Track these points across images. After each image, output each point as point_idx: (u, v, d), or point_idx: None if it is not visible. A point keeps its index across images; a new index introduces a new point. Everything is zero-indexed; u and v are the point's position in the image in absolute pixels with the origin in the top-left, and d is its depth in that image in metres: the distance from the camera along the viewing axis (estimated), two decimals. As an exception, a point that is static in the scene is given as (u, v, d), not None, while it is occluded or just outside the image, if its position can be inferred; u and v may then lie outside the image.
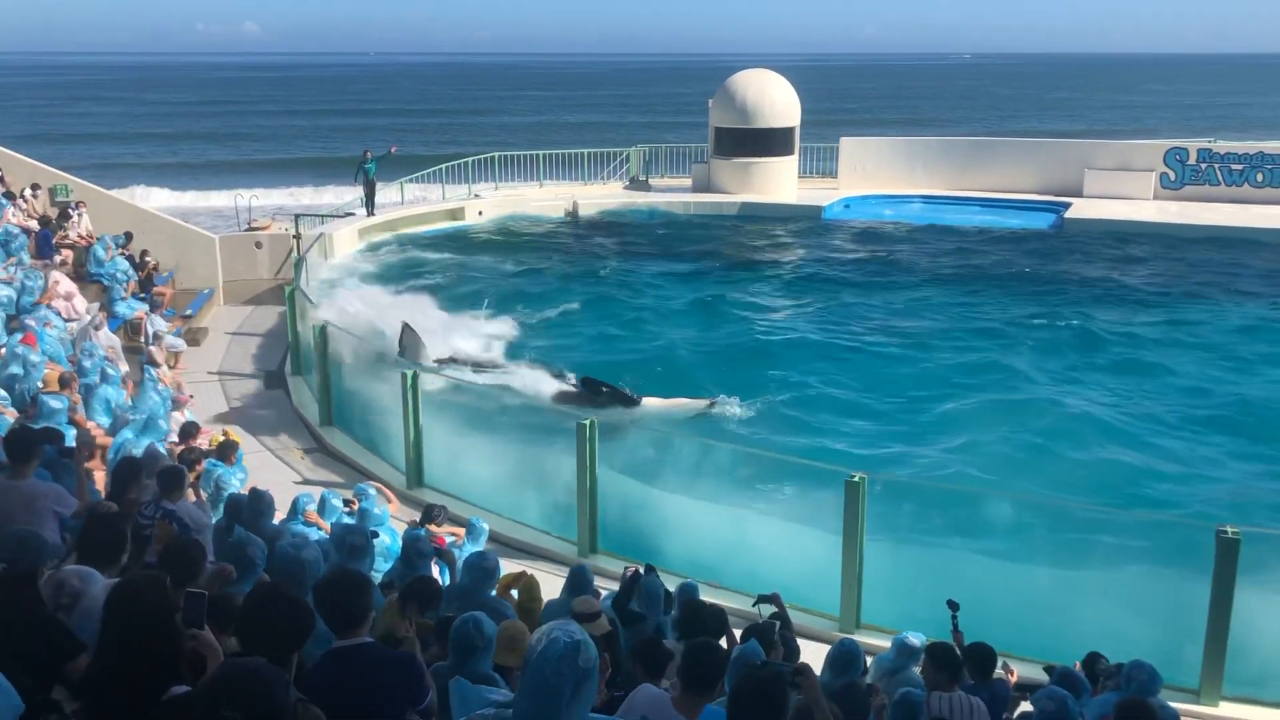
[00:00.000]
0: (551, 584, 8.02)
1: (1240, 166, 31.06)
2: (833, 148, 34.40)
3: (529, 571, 7.98)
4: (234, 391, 16.78)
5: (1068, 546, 10.61)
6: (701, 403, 15.70)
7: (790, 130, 32.51)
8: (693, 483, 11.92)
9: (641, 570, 7.31)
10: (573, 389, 15.61)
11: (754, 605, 7.35)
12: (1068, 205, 30.21)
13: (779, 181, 32.33)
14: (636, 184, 33.67)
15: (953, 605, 7.13)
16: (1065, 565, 10.21)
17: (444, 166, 30.68)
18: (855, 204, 32.01)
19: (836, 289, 23.06)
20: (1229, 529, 8.19)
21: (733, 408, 15.53)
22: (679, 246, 27.41)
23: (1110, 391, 16.52)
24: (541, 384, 15.74)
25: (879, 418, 15.32)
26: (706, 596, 7.91)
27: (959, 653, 6.28)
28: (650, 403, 15.50)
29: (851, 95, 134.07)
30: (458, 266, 25.00)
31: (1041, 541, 10.79)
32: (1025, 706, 6.12)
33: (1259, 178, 30.87)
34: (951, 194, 32.45)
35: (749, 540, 10.55)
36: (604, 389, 15.40)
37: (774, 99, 32.29)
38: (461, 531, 9.69)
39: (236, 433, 12.24)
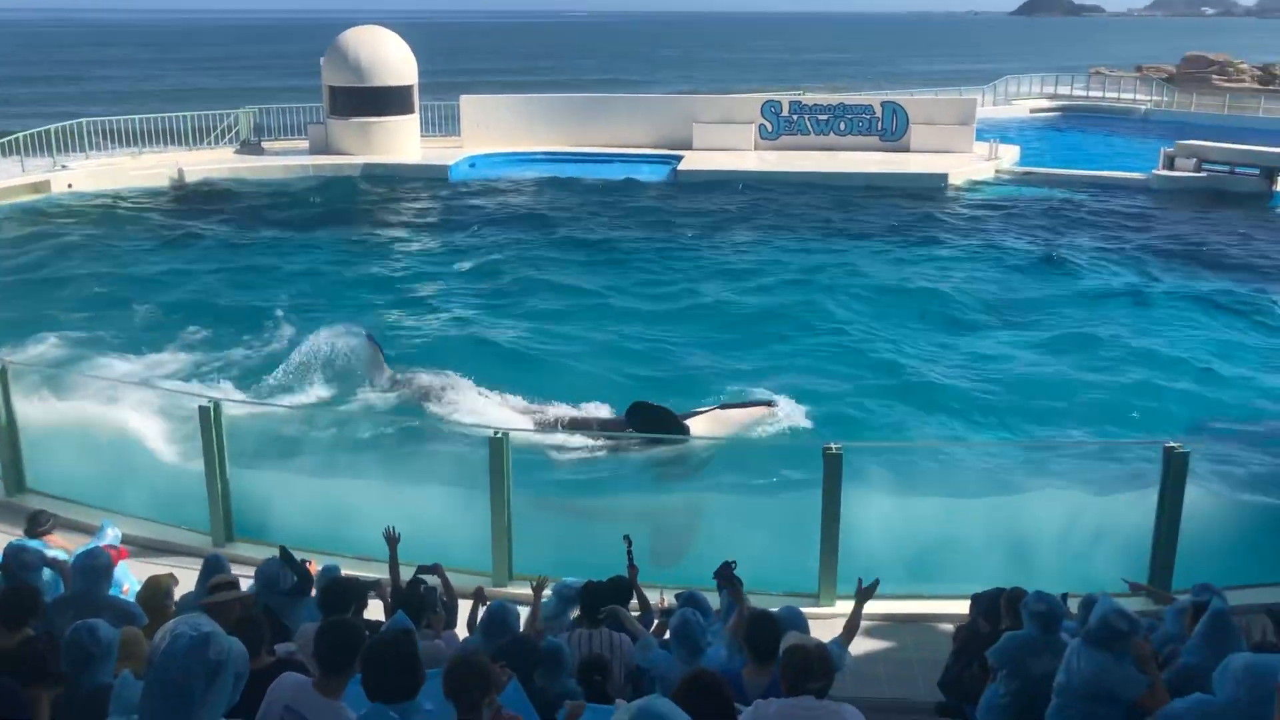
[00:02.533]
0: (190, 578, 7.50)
1: (826, 117, 34.17)
2: (453, 106, 34.20)
3: (168, 570, 7.42)
4: None
5: (700, 479, 11.33)
6: (760, 410, 13.37)
7: (408, 89, 31.98)
8: (331, 458, 11.55)
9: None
10: (609, 425, 12.96)
11: (415, 575, 7.25)
12: (680, 158, 31.90)
13: (401, 141, 31.78)
14: (249, 148, 31.85)
15: (627, 540, 7.39)
16: (698, 495, 10.90)
17: (19, 136, 27.51)
18: (480, 162, 32.08)
19: (469, 247, 23.07)
20: (833, 446, 9.01)
21: (791, 406, 13.59)
22: (300, 213, 26.26)
23: (726, 325, 17.73)
24: (520, 417, 13.17)
25: (518, 370, 15.47)
26: (364, 572, 7.76)
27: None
28: (698, 423, 12.80)
29: (469, 54, 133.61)
30: (44, 244, 22.60)
31: (678, 477, 11.45)
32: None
33: (842, 127, 34.08)
34: (573, 150, 33.28)
35: (399, 509, 10.37)
36: (658, 414, 12.45)
37: (388, 56, 31.60)
38: (70, 544, 8.79)
39: None
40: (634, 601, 7.13)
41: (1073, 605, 6.51)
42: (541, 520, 10.28)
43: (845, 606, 8.92)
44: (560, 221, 25.53)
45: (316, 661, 4.07)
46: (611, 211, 26.77)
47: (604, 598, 6.34)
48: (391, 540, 7.13)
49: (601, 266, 21.67)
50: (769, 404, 13.56)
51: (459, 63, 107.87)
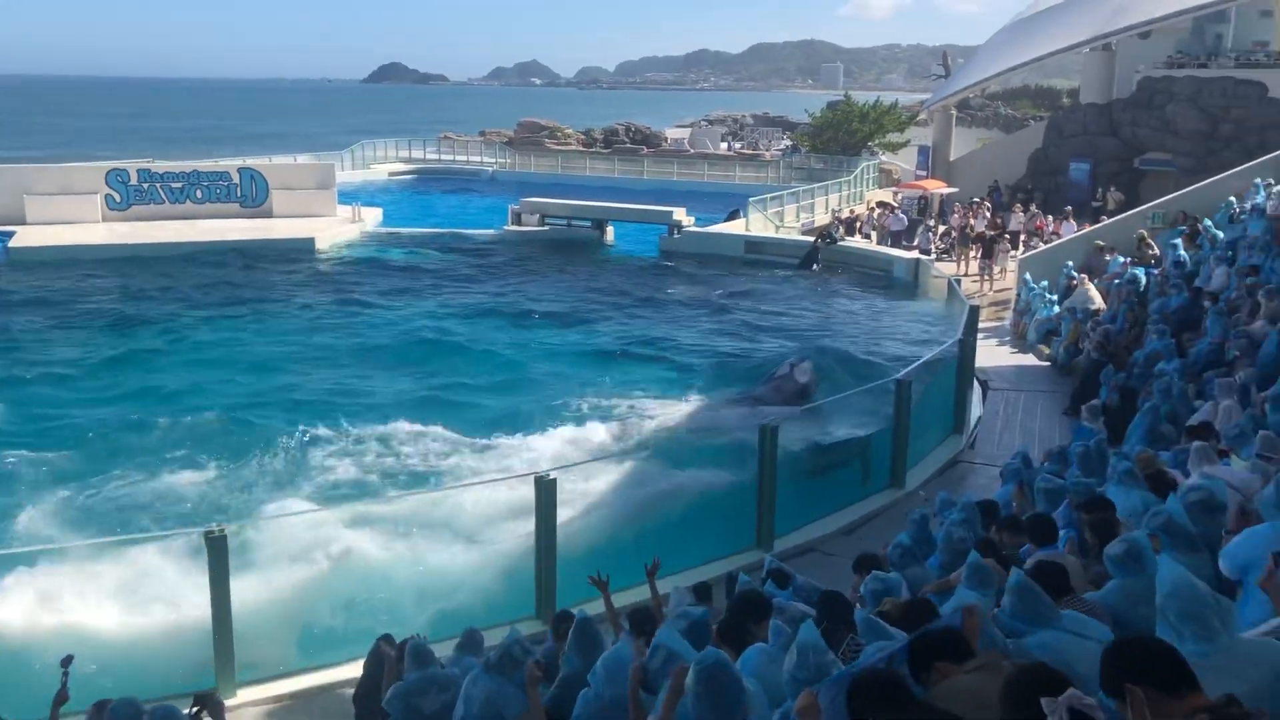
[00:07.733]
0: None
1: (180, 184, 32.58)
2: None
3: None
4: None
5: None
6: None
7: None
8: None
9: None
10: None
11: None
12: (12, 234, 28.51)
13: None
14: None
15: (65, 662, 6.26)
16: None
17: None
18: None
19: None
20: (216, 529, 8.45)
21: None
22: None
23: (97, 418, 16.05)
24: None
25: None
26: None
27: None
28: None
29: None
30: None
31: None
32: None
33: (199, 194, 32.68)
34: None
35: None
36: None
37: None
38: None
39: None
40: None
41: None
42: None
43: (245, 695, 8.48)
44: None
45: None
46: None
47: None
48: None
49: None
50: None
51: None
